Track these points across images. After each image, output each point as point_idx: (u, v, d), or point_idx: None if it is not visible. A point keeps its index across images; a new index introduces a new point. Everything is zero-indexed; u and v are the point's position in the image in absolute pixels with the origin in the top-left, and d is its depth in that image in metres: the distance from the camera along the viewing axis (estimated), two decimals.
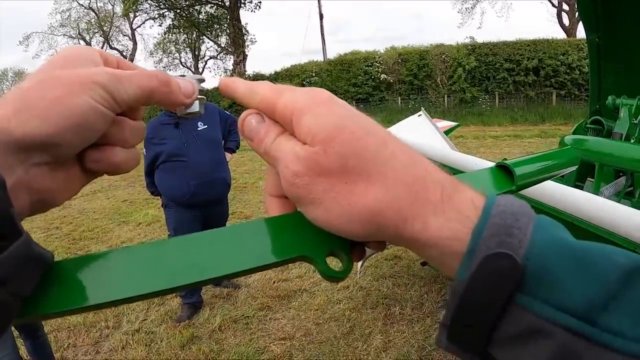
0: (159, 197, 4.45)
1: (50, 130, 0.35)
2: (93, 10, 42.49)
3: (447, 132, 4.82)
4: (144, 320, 4.46)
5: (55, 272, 0.35)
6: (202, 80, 0.50)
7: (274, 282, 5.08)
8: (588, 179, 4.16)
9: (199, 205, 4.21)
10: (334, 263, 0.41)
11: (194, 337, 4.04)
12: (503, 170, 0.52)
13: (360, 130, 0.37)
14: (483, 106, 23.89)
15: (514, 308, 0.33)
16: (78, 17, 43.02)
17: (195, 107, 0.48)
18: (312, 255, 0.39)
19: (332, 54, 31.78)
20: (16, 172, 0.35)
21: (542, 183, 2.01)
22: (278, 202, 0.45)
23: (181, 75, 0.48)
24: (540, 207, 2.23)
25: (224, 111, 4.81)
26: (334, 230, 0.38)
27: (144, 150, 4.12)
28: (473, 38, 30.21)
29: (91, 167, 0.42)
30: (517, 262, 0.32)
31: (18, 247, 0.30)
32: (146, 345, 3.96)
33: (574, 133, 4.43)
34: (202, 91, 0.49)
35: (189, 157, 4.01)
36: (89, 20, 43.54)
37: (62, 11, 41.58)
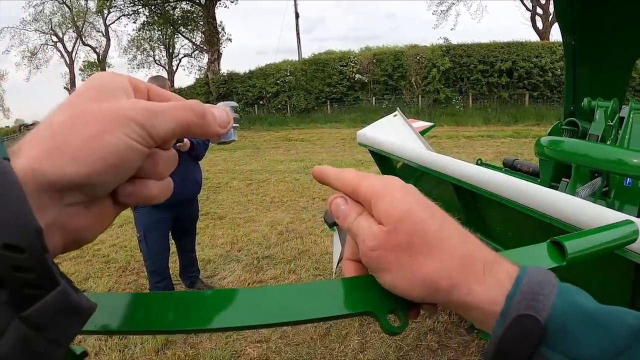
0: None
1: (84, 172, 0.34)
2: (67, 5, 41.83)
3: (422, 133, 4.81)
4: None
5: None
6: (236, 108, 0.50)
7: (249, 283, 5.03)
8: (563, 179, 4.19)
9: (169, 205, 4.13)
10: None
11: (168, 342, 3.95)
12: (556, 245, 0.56)
13: (425, 214, 0.45)
14: (457, 107, 24.17)
15: (538, 359, 0.39)
16: (51, 12, 42.37)
17: (230, 135, 0.48)
18: (377, 312, 0.46)
19: (305, 53, 31.96)
20: (50, 214, 0.34)
21: (520, 183, 1.98)
22: (354, 266, 0.52)
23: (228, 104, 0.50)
24: (517, 208, 2.23)
25: None
26: (397, 293, 0.45)
27: None
28: (447, 39, 30.59)
29: (124, 201, 0.41)
30: (540, 322, 0.39)
31: (54, 297, 0.31)
32: (120, 350, 3.86)
33: (549, 134, 4.45)
34: (235, 119, 0.49)
35: None
36: (62, 14, 42.89)
37: (35, 4, 40.86)
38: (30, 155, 0.33)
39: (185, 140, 4.00)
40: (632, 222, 0.64)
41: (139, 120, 0.37)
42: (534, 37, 31.61)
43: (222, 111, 0.45)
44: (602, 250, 0.59)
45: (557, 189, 3.63)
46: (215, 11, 32.81)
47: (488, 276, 0.43)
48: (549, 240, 0.56)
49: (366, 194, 0.47)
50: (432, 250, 0.43)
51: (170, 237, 4.50)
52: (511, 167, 5.30)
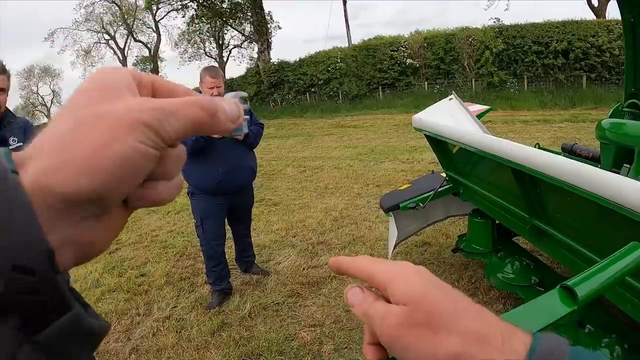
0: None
1: (96, 184, 0.32)
2: (116, 4, 42.92)
3: (479, 116, 4.71)
4: (174, 307, 4.51)
5: None
6: (246, 98, 0.49)
7: (304, 268, 5.09)
8: (625, 164, 4.02)
9: (225, 192, 4.24)
10: None
11: (224, 324, 4.06)
12: (567, 290, 0.59)
13: (440, 294, 0.48)
14: (511, 90, 23.52)
15: None
16: (102, 12, 43.67)
17: (241, 128, 0.45)
18: None
19: (353, 39, 31.56)
20: (60, 229, 0.33)
21: (582, 167, 1.90)
22: (374, 349, 0.54)
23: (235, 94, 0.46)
24: (579, 194, 2.16)
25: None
26: None
27: None
28: (499, 20, 29.73)
29: (135, 205, 0.39)
30: None
31: (66, 321, 0.30)
32: (177, 331, 3.99)
33: (610, 117, 4.26)
34: (246, 110, 0.46)
35: (218, 145, 4.01)
36: (112, 13, 44.09)
37: (86, 5, 42.19)
38: (37, 169, 0.32)
39: None
40: (637, 245, 0.64)
41: (148, 123, 0.35)
42: (589, 16, 30.36)
43: (232, 105, 0.42)
44: (614, 282, 0.59)
45: None
46: (262, 1, 32.95)
47: (507, 348, 0.45)
48: (559, 286, 0.59)
49: (381, 278, 0.51)
50: (451, 328, 0.46)
51: (227, 223, 4.60)
52: (570, 152, 5.13)
